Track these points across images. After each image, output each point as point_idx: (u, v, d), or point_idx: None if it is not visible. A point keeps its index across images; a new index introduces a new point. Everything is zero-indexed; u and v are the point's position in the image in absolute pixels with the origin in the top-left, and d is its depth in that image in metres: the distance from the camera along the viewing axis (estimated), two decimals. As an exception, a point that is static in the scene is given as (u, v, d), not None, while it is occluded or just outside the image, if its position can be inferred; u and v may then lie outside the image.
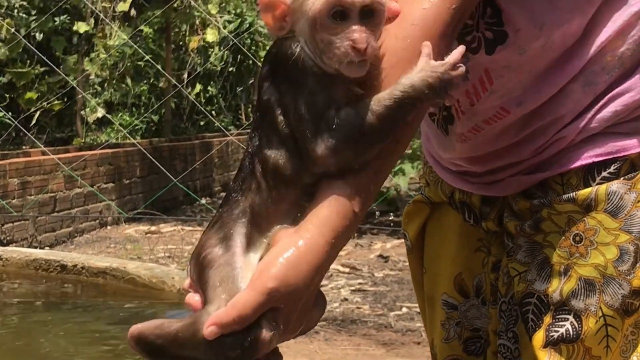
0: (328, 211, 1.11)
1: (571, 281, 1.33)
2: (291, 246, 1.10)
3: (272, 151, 1.14)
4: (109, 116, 10.66)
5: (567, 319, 1.32)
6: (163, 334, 1.13)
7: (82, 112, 10.97)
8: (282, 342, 1.14)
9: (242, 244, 1.13)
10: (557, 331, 1.33)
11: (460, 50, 1.12)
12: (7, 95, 10.82)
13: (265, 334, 1.07)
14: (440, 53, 1.15)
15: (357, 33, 1.07)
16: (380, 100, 1.09)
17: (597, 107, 1.32)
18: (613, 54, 1.31)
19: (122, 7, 10.33)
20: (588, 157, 1.33)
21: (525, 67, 1.32)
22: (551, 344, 1.33)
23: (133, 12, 10.57)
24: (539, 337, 1.34)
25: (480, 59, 1.32)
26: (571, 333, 1.32)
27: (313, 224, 1.11)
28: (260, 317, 1.08)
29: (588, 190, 1.32)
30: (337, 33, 1.08)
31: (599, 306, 1.31)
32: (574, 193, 1.33)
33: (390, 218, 9.16)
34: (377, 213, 9.19)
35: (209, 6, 11.28)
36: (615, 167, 1.32)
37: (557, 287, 1.33)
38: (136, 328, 1.15)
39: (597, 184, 1.32)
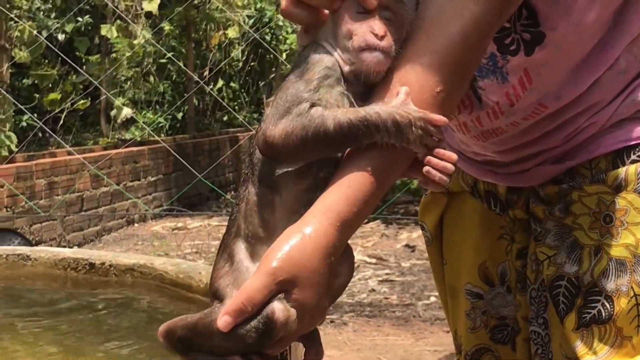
0: (335, 196, 1.11)
1: (602, 262, 1.31)
2: (295, 231, 1.11)
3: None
4: (133, 115, 10.71)
5: (599, 300, 1.31)
6: (187, 326, 1.15)
7: (111, 113, 11.02)
8: (307, 328, 1.14)
9: (246, 255, 1.16)
10: (589, 312, 1.32)
11: (440, 117, 1.12)
12: (36, 96, 10.91)
13: (278, 314, 1.08)
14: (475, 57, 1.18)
15: (378, 24, 1.13)
16: (346, 112, 1.12)
17: (627, 92, 1.32)
18: None
19: (149, 7, 10.33)
20: (617, 142, 1.32)
21: (562, 63, 1.31)
22: (583, 325, 1.32)
23: (155, 10, 10.58)
24: (571, 320, 1.33)
25: (519, 60, 1.31)
26: (603, 314, 1.31)
27: (318, 209, 1.11)
28: (271, 300, 1.09)
29: (618, 170, 1.31)
30: (359, 24, 1.14)
31: (630, 286, 1.30)
32: (604, 174, 1.32)
33: (416, 207, 9.13)
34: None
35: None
36: None
37: (587, 269, 1.32)
38: (164, 325, 1.18)
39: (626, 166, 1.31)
